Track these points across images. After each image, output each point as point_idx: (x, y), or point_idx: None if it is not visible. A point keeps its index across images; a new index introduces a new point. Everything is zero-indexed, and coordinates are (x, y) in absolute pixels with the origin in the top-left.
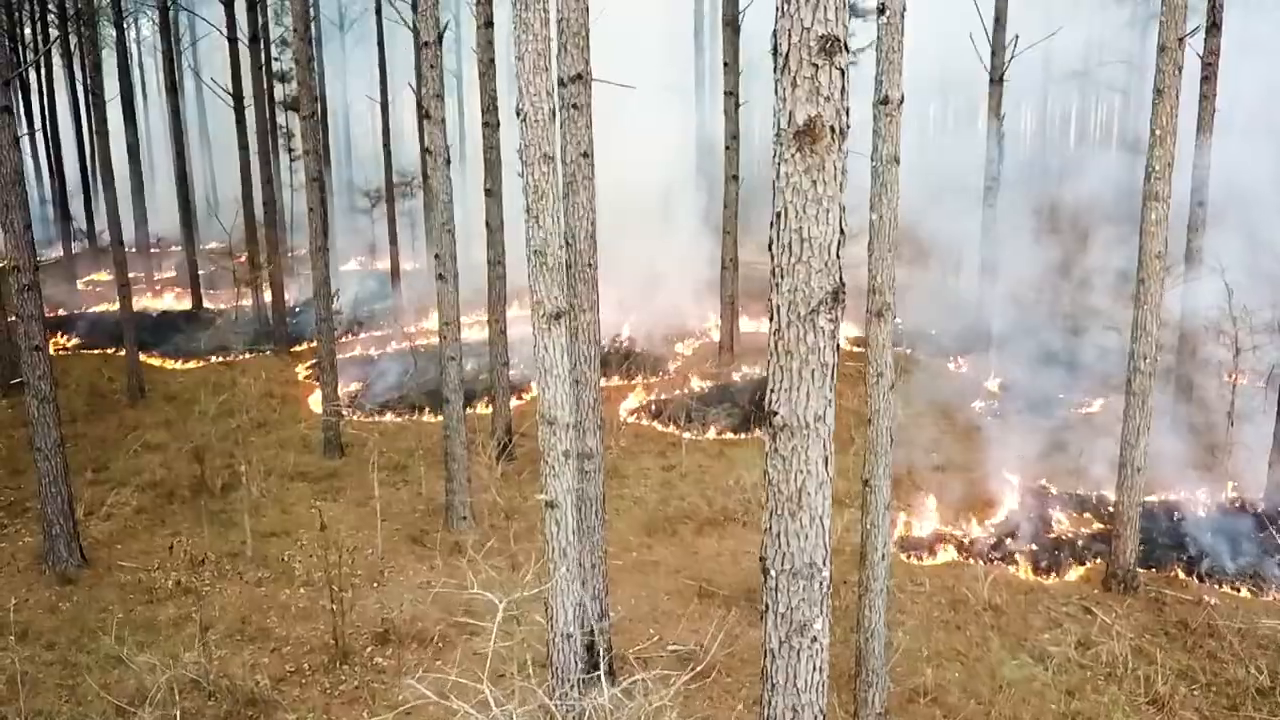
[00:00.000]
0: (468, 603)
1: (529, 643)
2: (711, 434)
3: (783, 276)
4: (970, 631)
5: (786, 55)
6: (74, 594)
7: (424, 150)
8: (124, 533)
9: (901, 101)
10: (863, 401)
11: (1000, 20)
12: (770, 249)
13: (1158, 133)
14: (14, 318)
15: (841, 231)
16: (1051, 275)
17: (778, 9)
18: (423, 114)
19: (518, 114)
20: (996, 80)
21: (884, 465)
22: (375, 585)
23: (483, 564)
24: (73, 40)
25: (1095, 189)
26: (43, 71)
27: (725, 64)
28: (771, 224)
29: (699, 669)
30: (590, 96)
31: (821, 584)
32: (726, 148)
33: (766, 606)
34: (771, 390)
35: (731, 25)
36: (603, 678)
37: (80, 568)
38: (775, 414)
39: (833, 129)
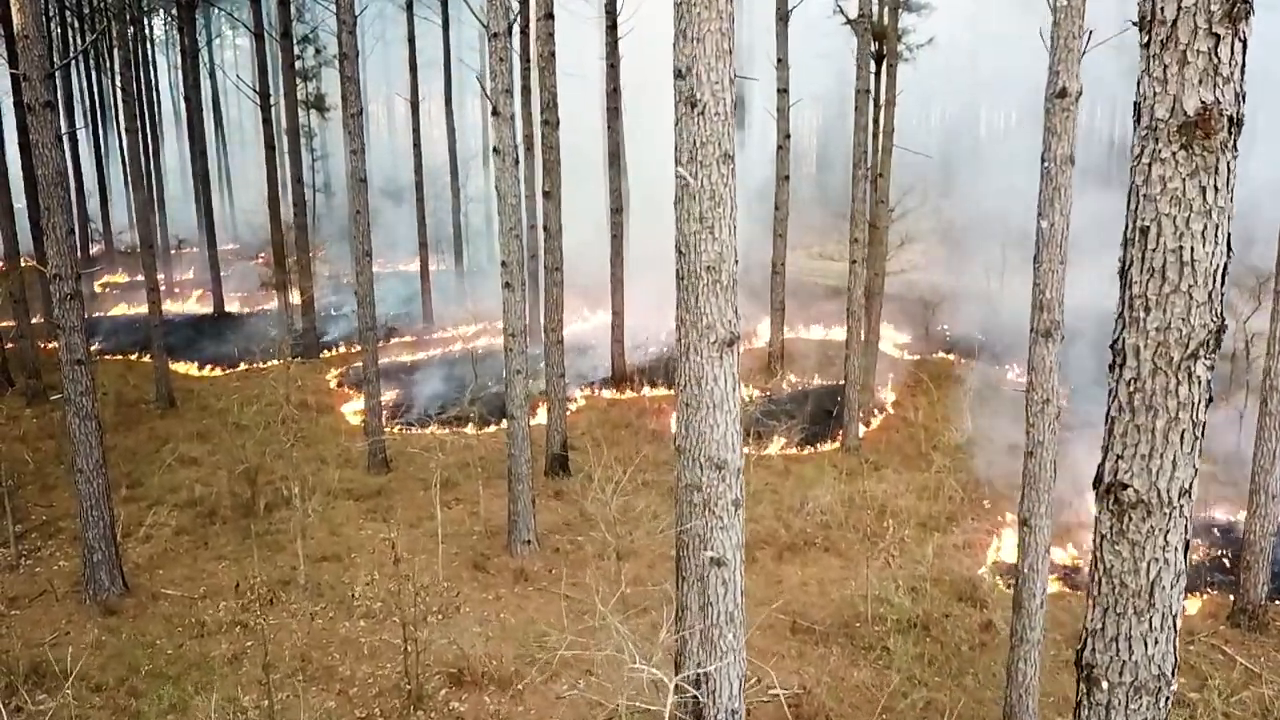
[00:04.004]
0: (541, 636)
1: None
2: (772, 449)
3: (1148, 310)
4: None
5: (1174, 23)
6: (118, 627)
7: (493, 150)
8: (165, 556)
9: (1080, 94)
10: (929, 414)
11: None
12: (1125, 273)
13: None
14: (56, 327)
15: (1229, 252)
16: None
17: None
18: (490, 110)
19: (692, 105)
20: None
21: (1046, 502)
22: (442, 618)
23: (614, 622)
24: (87, 38)
25: None
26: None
27: (779, 59)
28: (1131, 242)
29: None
30: None
31: (1167, 700)
32: (779, 147)
33: None
34: (1118, 456)
35: (783, 20)
36: None
37: (122, 596)
38: (1126, 487)
39: (1231, 119)
